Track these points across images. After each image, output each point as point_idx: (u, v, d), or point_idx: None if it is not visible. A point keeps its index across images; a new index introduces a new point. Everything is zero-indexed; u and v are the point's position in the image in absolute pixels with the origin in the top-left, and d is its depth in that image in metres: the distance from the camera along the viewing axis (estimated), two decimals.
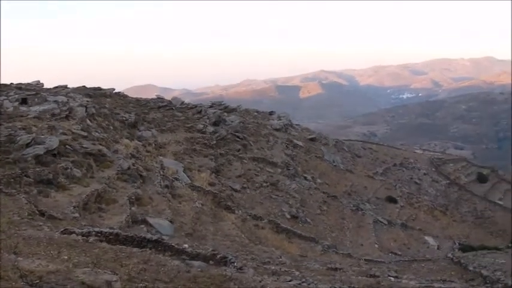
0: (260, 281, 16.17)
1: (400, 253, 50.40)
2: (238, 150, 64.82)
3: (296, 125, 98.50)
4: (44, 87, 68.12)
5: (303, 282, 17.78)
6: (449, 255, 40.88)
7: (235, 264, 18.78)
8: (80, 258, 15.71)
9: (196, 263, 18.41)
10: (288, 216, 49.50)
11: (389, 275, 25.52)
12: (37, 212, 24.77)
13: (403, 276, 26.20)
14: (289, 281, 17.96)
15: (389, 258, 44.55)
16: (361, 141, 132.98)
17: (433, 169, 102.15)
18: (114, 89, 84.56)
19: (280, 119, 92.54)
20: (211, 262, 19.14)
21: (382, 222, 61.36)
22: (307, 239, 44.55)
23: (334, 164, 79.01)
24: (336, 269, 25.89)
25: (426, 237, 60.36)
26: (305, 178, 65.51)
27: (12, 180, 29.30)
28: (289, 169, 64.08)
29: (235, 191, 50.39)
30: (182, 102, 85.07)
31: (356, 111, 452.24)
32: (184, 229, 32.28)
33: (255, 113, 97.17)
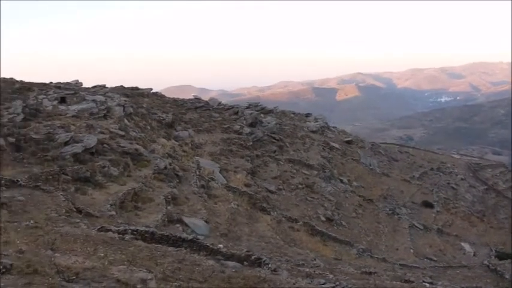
0: (294, 283, 16.06)
1: (435, 259, 49.64)
2: (275, 151, 64.70)
3: (332, 127, 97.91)
4: (83, 86, 69.05)
5: (336, 285, 17.61)
6: (486, 262, 40.17)
7: (269, 265, 18.69)
8: (115, 256, 15.82)
9: (230, 263, 18.38)
10: (323, 219, 49.16)
11: (424, 281, 25.19)
12: (74, 209, 25.08)
13: (438, 282, 25.80)
14: (323, 283, 17.80)
15: (424, 263, 43.94)
16: (398, 144, 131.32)
17: (471, 174, 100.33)
18: (151, 89, 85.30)
19: (317, 121, 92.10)
20: (245, 263, 19.08)
21: (417, 227, 60.54)
22: (342, 242, 44.19)
23: (371, 167, 78.24)
24: (370, 273, 25.63)
25: (462, 244, 59.35)
26: (341, 181, 65.04)
27: (50, 177, 29.74)
28: (325, 171, 63.67)
29: (271, 192, 50.26)
30: (219, 103, 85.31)
31: (393, 114, 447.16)
32: (220, 229, 32.33)
33: (292, 115, 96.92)
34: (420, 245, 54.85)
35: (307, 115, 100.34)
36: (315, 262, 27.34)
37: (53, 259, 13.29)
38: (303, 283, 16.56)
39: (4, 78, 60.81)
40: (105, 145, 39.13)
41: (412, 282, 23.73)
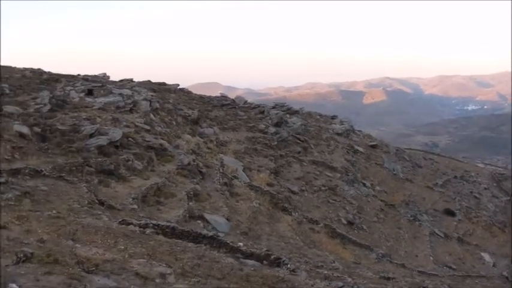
0: (312, 285, 16.00)
1: (454, 267, 49.15)
2: (299, 152, 64.50)
3: (358, 130, 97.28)
4: (110, 79, 69.50)
5: None
6: (505, 273, 39.70)
7: (288, 266, 18.65)
8: (135, 249, 15.87)
9: (249, 262, 18.37)
10: (344, 222, 48.91)
11: None
12: (97, 201, 25.23)
13: None
14: (341, 286, 17.74)
15: (443, 271, 43.53)
16: (422, 151, 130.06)
17: (494, 184, 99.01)
18: (178, 85, 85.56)
19: (342, 124, 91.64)
20: (264, 262, 19.06)
21: (438, 234, 59.93)
22: (362, 246, 43.92)
23: (394, 172, 77.62)
24: (388, 279, 25.46)
25: (482, 254, 58.59)
26: (364, 185, 64.62)
27: (74, 168, 30.00)
28: (348, 175, 63.33)
29: (293, 193, 50.09)
30: (245, 102, 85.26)
31: (419, 120, 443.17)
32: (240, 227, 32.29)
33: (318, 116, 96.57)
34: (440, 253, 54.34)
35: (333, 117, 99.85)
36: (333, 265, 27.22)
37: (73, 249, 13.38)
38: (321, 285, 16.48)
39: (32, 69, 61.55)
40: (130, 139, 39.35)
41: None
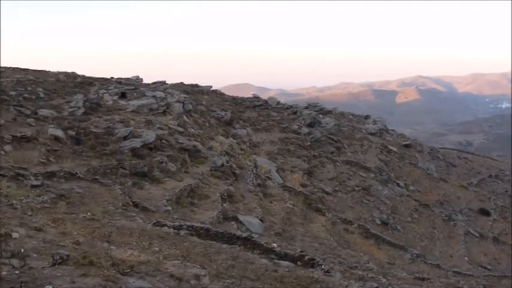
0: (346, 286, 15.86)
1: (490, 268, 48.29)
2: (332, 152, 64.21)
3: (391, 130, 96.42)
4: (143, 82, 70.02)
5: None
6: None
7: (322, 266, 18.51)
8: (170, 251, 15.90)
9: (284, 263, 18.28)
10: (378, 222, 48.48)
11: None
12: (131, 203, 25.41)
13: None
14: (376, 287, 17.54)
15: (478, 272, 42.82)
16: (456, 149, 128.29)
17: None
18: (211, 87, 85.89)
19: (376, 123, 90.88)
20: (298, 263, 18.95)
21: (473, 234, 58.96)
22: (396, 246, 43.47)
23: (428, 171, 76.66)
24: (423, 279, 25.12)
25: None
26: (397, 184, 63.99)
27: (108, 171, 30.24)
28: (382, 174, 62.79)
29: (327, 193, 49.86)
30: (278, 102, 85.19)
31: (453, 119, 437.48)
32: (274, 228, 32.19)
33: (350, 116, 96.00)
34: (475, 253, 53.49)
35: (366, 117, 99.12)
36: (368, 265, 26.96)
37: (108, 251, 13.44)
38: (355, 286, 16.33)
39: (66, 72, 62.38)
40: (163, 141, 39.55)
41: None
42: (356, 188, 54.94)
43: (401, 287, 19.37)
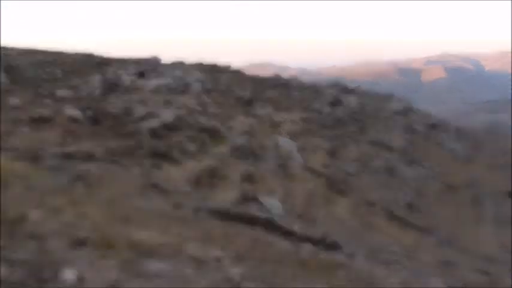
0: (370, 269, 15.80)
1: None
2: (355, 132, 63.89)
3: (416, 109, 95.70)
4: (162, 62, 70.03)
5: (414, 274, 17.25)
6: None
7: (345, 250, 18.49)
8: (189, 233, 15.90)
9: (305, 245, 18.25)
10: (403, 204, 48.29)
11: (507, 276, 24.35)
12: (150, 185, 25.46)
13: None
14: (400, 271, 17.48)
15: (507, 257, 42.52)
16: (484, 129, 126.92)
17: None
18: (230, 66, 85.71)
19: (400, 102, 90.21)
20: (320, 246, 18.92)
21: (502, 218, 58.51)
22: (421, 229, 43.16)
23: (455, 152, 76.07)
24: (450, 264, 24.98)
25: None
26: (423, 166, 63.59)
27: (126, 152, 30.31)
28: (406, 155, 62.43)
29: (350, 174, 49.70)
30: (299, 81, 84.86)
31: (480, 98, 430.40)
32: (295, 210, 32.21)
33: (374, 96, 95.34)
34: (504, 237, 53.12)
35: (390, 96, 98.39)
36: (392, 248, 26.88)
37: (127, 233, 13.48)
38: (379, 269, 16.27)
39: (84, 53, 62.60)
40: (182, 121, 39.63)
41: (494, 275, 22.99)
42: (380, 169, 54.69)
43: (426, 272, 19.28)
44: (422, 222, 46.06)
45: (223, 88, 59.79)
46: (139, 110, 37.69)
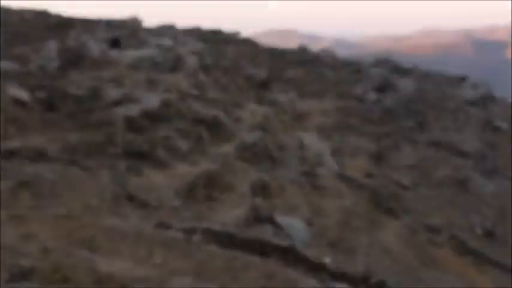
0: None
1: None
2: (412, 129, 63.74)
3: (499, 98, 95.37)
4: (143, 26, 70.01)
5: None
6: None
7: None
8: (178, 264, 15.95)
9: (340, 285, 18.25)
10: (479, 232, 47.89)
11: None
12: (124, 196, 25.45)
13: None
14: None
15: None
16: None
17: None
18: (240, 33, 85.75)
19: (476, 89, 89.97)
20: (361, 286, 18.92)
21: None
22: (505, 268, 43.00)
23: None
24: None
25: None
26: (507, 178, 63.35)
27: (93, 149, 30.27)
28: (485, 162, 62.21)
29: (404, 187, 49.50)
30: (334, 57, 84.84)
31: None
32: (327, 236, 32.07)
33: (439, 78, 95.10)
34: None
35: (462, 79, 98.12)
36: None
37: (90, 263, 13.48)
38: None
39: (34, 10, 62.56)
40: (171, 108, 39.63)
41: None
42: (447, 181, 54.45)
43: None
44: (507, 259, 45.82)
45: (229, 64, 59.84)
46: (112, 93, 37.73)
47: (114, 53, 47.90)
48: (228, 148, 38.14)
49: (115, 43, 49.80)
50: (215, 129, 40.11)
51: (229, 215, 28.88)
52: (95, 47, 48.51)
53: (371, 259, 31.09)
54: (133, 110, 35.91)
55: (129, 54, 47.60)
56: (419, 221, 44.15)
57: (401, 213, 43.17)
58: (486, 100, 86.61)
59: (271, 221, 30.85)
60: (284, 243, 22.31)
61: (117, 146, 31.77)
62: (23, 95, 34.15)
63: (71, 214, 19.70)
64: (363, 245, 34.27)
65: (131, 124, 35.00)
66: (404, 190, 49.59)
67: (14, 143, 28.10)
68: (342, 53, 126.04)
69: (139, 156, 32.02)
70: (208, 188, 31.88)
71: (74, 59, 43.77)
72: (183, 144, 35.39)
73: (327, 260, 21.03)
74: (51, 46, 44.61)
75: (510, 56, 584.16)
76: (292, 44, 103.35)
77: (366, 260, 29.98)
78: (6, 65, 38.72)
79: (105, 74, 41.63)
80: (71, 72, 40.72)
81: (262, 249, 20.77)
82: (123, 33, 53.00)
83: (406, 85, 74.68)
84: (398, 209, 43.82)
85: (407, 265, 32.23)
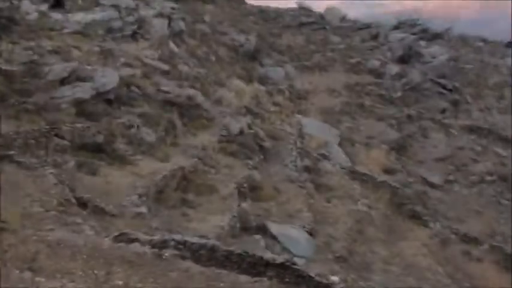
0: None
1: None
2: (443, 111, 63.85)
3: None
4: None
5: None
6: None
7: None
8: (145, 286, 16.09)
9: None
10: None
11: None
12: (74, 201, 25.48)
13: None
14: None
15: None
16: None
17: None
18: None
19: None
20: None
21: None
22: None
23: None
24: None
25: None
26: None
27: (33, 142, 30.13)
28: None
29: (432, 186, 49.73)
30: (342, 18, 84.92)
31: None
32: (334, 248, 32.30)
33: (479, 43, 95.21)
34: None
35: (510, 44, 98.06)
36: None
37: (32, 286, 13.63)
38: None
39: None
40: (132, 88, 39.64)
41: None
42: (487, 178, 54.64)
43: None
44: None
45: (208, 30, 59.84)
46: (56, 68, 37.48)
47: (56, 16, 47.58)
48: (207, 138, 38.21)
49: (57, 3, 49.44)
50: (190, 114, 40.15)
51: (209, 223, 28.97)
52: (31, 8, 48.21)
53: (390, 277, 31.32)
54: (84, 91, 35.74)
55: (77, 18, 47.34)
56: (452, 228, 44.35)
57: (429, 219, 43.35)
58: None
59: (263, 230, 31.04)
60: (280, 258, 22.31)
61: (65, 138, 31.69)
62: None
63: (6, 226, 19.74)
64: (380, 259, 34.46)
65: (82, 109, 34.88)
66: (434, 189, 49.74)
67: None
68: (353, 13, 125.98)
69: (93, 150, 31.98)
70: (182, 190, 31.97)
71: (4, 25, 43.44)
72: (148, 134, 35.43)
73: (335, 278, 21.14)
74: None
75: None
76: (288, 3, 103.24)
77: (385, 278, 30.21)
78: None
79: (46, 43, 41.31)
80: (1, 43, 40.44)
81: (251, 266, 20.87)
82: None
83: (436, 53, 74.62)
84: (426, 213, 43.99)
85: (438, 283, 32.41)
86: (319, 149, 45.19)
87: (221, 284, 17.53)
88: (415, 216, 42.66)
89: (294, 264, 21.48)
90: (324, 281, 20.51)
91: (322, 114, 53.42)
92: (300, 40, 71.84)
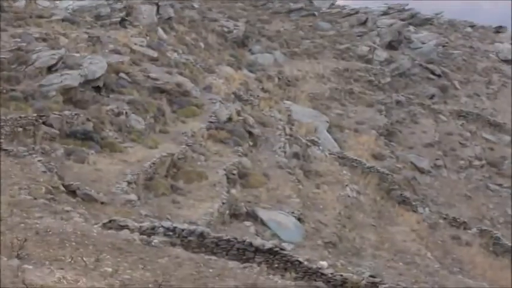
0: None
1: None
2: (432, 96, 63.88)
3: None
4: None
5: None
6: None
7: None
8: (134, 273, 16.01)
9: None
10: None
11: None
12: (63, 189, 25.39)
13: None
14: None
15: None
16: None
17: None
18: None
19: None
20: None
21: None
22: None
23: None
24: None
25: None
26: None
27: (20, 130, 29.97)
28: None
29: (421, 171, 49.76)
30: (331, 4, 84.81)
31: None
32: (323, 234, 32.26)
33: (468, 29, 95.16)
34: None
35: (499, 29, 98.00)
36: None
37: (20, 273, 13.57)
38: None
39: None
40: (121, 75, 39.52)
41: None
42: (476, 162, 54.68)
43: None
44: None
45: (196, 16, 59.69)
46: (44, 55, 37.31)
47: (44, 3, 47.36)
48: (196, 125, 38.10)
49: None
50: (179, 100, 40.05)
51: (199, 210, 28.89)
52: None
53: (380, 262, 31.32)
54: (72, 78, 35.54)
55: (65, 5, 47.09)
56: (440, 213, 44.38)
57: (418, 204, 43.39)
58: None
59: (252, 216, 30.99)
60: (269, 244, 22.28)
61: (53, 126, 31.55)
62: None
63: None
64: (369, 244, 34.48)
65: (70, 96, 34.74)
66: (422, 174, 49.79)
67: None
68: None
69: (83, 138, 31.83)
70: (171, 177, 31.92)
71: None
72: (138, 122, 35.34)
73: (324, 263, 21.01)
74: None
75: None
76: None
77: (374, 264, 30.20)
78: None
79: (33, 30, 41.12)
80: None
81: (241, 252, 20.80)
82: None
83: (425, 39, 74.60)
84: (415, 198, 44.02)
85: (426, 268, 32.41)
86: (309, 135, 45.17)
87: (210, 270, 17.47)
88: (404, 202, 42.69)
89: (283, 249, 21.42)
90: (313, 266, 20.43)
91: (311, 100, 53.41)
92: (288, 26, 71.78)
